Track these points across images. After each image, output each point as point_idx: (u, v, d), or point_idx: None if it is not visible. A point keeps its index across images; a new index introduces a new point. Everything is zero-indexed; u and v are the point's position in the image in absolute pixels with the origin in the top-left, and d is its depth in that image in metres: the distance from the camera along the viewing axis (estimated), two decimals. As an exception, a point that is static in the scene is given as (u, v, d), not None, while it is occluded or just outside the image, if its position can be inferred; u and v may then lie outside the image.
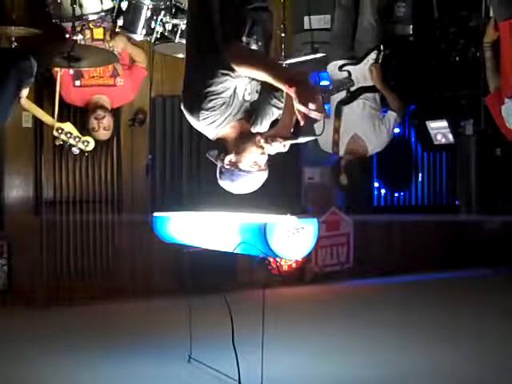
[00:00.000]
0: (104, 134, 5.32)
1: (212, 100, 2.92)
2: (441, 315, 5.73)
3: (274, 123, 3.15)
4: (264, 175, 3.03)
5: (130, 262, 6.67)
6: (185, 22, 4.43)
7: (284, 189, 7.03)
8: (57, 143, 4.82)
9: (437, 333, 5.16)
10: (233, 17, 3.02)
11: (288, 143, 2.90)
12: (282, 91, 2.95)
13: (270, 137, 2.92)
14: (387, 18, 5.27)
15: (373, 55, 5.16)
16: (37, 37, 5.04)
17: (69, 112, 6.05)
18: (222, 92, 2.92)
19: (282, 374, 4.14)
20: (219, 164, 3.02)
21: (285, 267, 7.29)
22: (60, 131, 4.67)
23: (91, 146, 4.80)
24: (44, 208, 6.41)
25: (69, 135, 4.69)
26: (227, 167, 2.99)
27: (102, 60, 4.95)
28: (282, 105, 3.08)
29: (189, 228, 4.21)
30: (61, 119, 4.98)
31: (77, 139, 4.73)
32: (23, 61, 3.12)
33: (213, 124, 3.00)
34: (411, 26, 5.35)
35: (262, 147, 2.92)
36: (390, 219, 7.96)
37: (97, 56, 4.81)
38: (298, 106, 2.68)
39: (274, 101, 3.13)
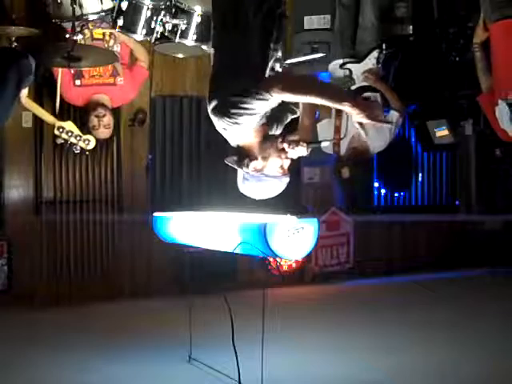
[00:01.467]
0: (104, 133, 5.31)
1: (246, 117, 2.94)
2: (441, 315, 5.73)
3: (286, 127, 3.18)
4: (287, 180, 3.08)
5: (130, 262, 6.68)
6: (185, 21, 4.44)
7: (284, 189, 7.01)
8: (58, 142, 4.82)
9: (436, 333, 5.16)
10: (265, 25, 3.05)
11: (310, 147, 2.97)
12: None
13: (293, 141, 2.97)
14: (387, 18, 5.27)
15: (374, 54, 5.16)
16: (37, 37, 5.03)
17: (68, 111, 6.05)
18: (258, 113, 2.95)
19: (282, 374, 4.14)
20: (244, 170, 3.03)
21: (285, 267, 7.29)
22: (61, 130, 4.66)
23: (92, 144, 4.79)
24: (44, 208, 6.41)
25: (70, 134, 4.69)
26: (253, 173, 3.01)
27: (102, 60, 4.94)
28: (296, 109, 3.11)
29: (189, 228, 4.22)
30: (61, 118, 4.98)
31: (78, 138, 4.72)
32: (22, 60, 3.12)
33: (239, 131, 3.01)
34: (411, 26, 5.35)
35: (286, 152, 2.98)
36: (390, 219, 7.96)
37: (97, 56, 4.80)
38: (365, 120, 2.83)
39: (289, 106, 3.16)
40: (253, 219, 3.74)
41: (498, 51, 4.26)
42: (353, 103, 2.86)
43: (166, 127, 6.96)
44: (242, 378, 3.82)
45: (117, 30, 4.52)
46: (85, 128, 5.28)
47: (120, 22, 4.41)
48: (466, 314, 5.75)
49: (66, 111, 6.00)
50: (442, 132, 6.15)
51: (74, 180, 6.53)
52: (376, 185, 8.22)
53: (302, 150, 2.98)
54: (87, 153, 4.91)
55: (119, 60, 5.28)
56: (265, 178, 3.02)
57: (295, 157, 3.02)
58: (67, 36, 4.56)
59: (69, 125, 4.71)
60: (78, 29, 4.44)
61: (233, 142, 3.11)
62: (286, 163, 3.03)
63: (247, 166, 3.01)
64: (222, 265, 6.41)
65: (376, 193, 8.28)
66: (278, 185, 3.09)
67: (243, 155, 3.03)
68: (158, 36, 4.54)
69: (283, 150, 2.98)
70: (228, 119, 2.94)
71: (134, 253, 6.68)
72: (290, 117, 3.20)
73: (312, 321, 5.62)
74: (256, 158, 2.99)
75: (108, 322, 5.60)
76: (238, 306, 3.88)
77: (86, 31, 4.99)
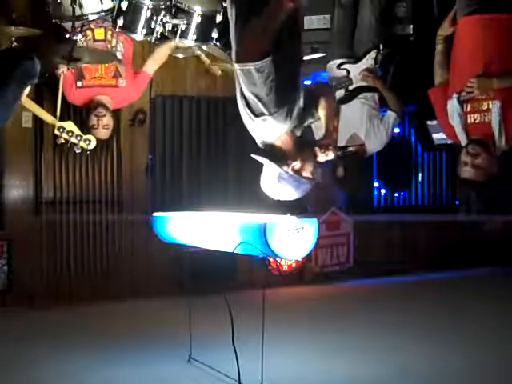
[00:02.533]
0: (103, 133, 5.30)
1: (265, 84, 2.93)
2: (440, 315, 5.72)
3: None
4: (312, 184, 3.15)
5: (130, 262, 6.68)
6: (185, 21, 4.44)
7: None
8: (58, 142, 4.82)
9: (436, 333, 5.16)
10: None
11: (337, 152, 3.05)
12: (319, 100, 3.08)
13: (324, 146, 3.05)
14: (387, 18, 5.27)
15: (372, 54, 5.16)
16: (37, 37, 5.03)
17: (69, 111, 6.05)
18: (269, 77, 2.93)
19: (282, 374, 4.13)
20: (284, 169, 3.05)
21: (285, 267, 7.29)
22: (61, 130, 4.66)
23: (93, 144, 4.79)
24: (44, 208, 6.41)
25: (70, 134, 4.69)
26: (291, 173, 3.04)
27: (103, 58, 4.94)
28: (316, 113, 3.12)
29: (189, 228, 4.21)
30: (62, 118, 4.98)
31: (78, 138, 4.72)
32: (27, 62, 3.13)
33: (280, 129, 3.02)
34: (411, 26, 5.35)
35: (317, 156, 3.06)
36: (390, 219, 7.96)
37: (96, 55, 4.81)
38: None
39: (311, 109, 3.18)
40: (253, 219, 3.74)
41: (461, 45, 4.26)
42: None
43: (166, 127, 6.96)
44: (242, 378, 3.81)
45: (117, 29, 4.52)
46: (85, 127, 5.29)
47: (120, 22, 4.41)
48: (466, 314, 5.75)
49: (67, 111, 6.01)
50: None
51: (74, 180, 6.54)
52: (376, 185, 8.21)
53: (331, 155, 3.07)
54: (88, 152, 4.91)
55: (121, 61, 5.27)
56: (301, 179, 3.07)
57: (323, 161, 3.10)
58: (67, 36, 4.57)
59: (69, 125, 4.71)
60: (78, 29, 4.44)
61: (268, 139, 3.09)
62: (313, 167, 3.09)
63: (288, 166, 3.04)
64: (222, 265, 6.41)
65: (376, 193, 8.28)
66: (306, 188, 3.14)
67: (281, 155, 3.05)
68: (158, 36, 4.54)
69: (316, 154, 3.06)
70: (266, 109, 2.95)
71: (133, 253, 6.68)
72: (310, 120, 3.22)
73: (312, 321, 5.61)
74: (296, 159, 3.04)
75: (108, 322, 5.60)
76: (237, 305, 3.87)
77: (88, 32, 4.99)
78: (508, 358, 4.50)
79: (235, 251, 3.68)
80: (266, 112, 2.94)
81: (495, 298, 6.20)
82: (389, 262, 7.94)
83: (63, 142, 4.74)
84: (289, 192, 3.14)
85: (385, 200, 8.40)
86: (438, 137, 6.98)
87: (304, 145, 3.07)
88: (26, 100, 4.26)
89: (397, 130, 7.15)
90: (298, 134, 3.16)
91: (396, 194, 8.47)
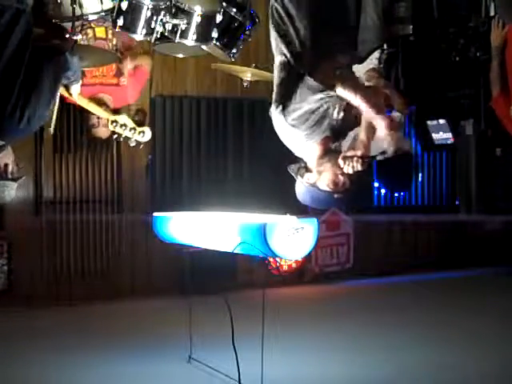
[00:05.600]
0: (103, 132, 5.27)
1: (307, 118, 2.95)
2: (440, 315, 5.73)
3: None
4: (342, 195, 3.05)
5: (130, 262, 6.68)
6: (185, 21, 4.43)
7: (284, 189, 7.02)
8: (114, 136, 4.72)
9: (437, 333, 5.16)
10: None
11: (367, 162, 2.99)
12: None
13: (348, 157, 2.97)
14: (387, 18, 5.26)
15: (376, 54, 5.15)
16: (37, 37, 5.02)
17: (68, 110, 6.05)
18: (316, 110, 2.96)
19: (282, 374, 4.14)
20: (299, 180, 3.04)
21: (285, 267, 7.29)
22: (114, 124, 4.58)
23: (147, 136, 4.65)
24: (44, 208, 6.41)
25: (124, 127, 4.60)
26: (306, 185, 3.02)
27: (103, 60, 4.93)
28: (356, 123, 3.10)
29: (189, 228, 4.22)
30: (61, 118, 4.96)
31: (132, 131, 4.63)
32: (58, 57, 3.14)
33: (302, 139, 3.00)
34: (411, 26, 5.34)
35: (341, 168, 2.96)
36: (389, 219, 7.96)
37: (97, 56, 4.79)
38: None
39: (351, 120, 3.15)
40: (253, 219, 3.74)
41: None
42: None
43: (166, 127, 6.96)
44: (242, 378, 3.81)
45: (117, 30, 4.51)
46: (85, 127, 5.27)
47: (120, 22, 4.40)
48: (467, 314, 5.75)
49: (66, 110, 6.00)
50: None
51: (73, 180, 6.54)
52: (376, 185, 8.21)
53: (357, 166, 2.97)
54: (141, 146, 4.78)
55: (121, 60, 5.25)
56: (317, 191, 3.01)
57: (351, 172, 2.98)
58: (67, 36, 4.56)
59: (122, 118, 4.61)
60: (78, 29, 4.43)
61: (297, 151, 3.10)
62: (342, 179, 2.98)
63: (302, 177, 3.02)
64: (222, 265, 6.41)
65: (376, 193, 8.28)
66: (329, 200, 3.07)
67: (302, 166, 3.04)
68: (158, 36, 4.53)
69: (339, 166, 2.95)
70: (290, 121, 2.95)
71: (134, 253, 6.68)
72: (350, 132, 3.18)
73: (312, 321, 5.61)
74: (311, 171, 3.00)
75: (108, 322, 5.60)
76: (237, 305, 3.88)
77: (89, 30, 4.98)
78: (510, 357, 4.51)
79: (235, 251, 3.69)
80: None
81: (495, 298, 6.20)
82: (389, 262, 7.95)
83: (117, 136, 4.64)
84: (309, 201, 3.10)
85: (385, 200, 8.40)
86: (438, 137, 6.98)
87: (330, 156, 2.99)
88: (79, 97, 4.23)
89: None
90: (333, 145, 3.10)
91: (396, 194, 8.47)
